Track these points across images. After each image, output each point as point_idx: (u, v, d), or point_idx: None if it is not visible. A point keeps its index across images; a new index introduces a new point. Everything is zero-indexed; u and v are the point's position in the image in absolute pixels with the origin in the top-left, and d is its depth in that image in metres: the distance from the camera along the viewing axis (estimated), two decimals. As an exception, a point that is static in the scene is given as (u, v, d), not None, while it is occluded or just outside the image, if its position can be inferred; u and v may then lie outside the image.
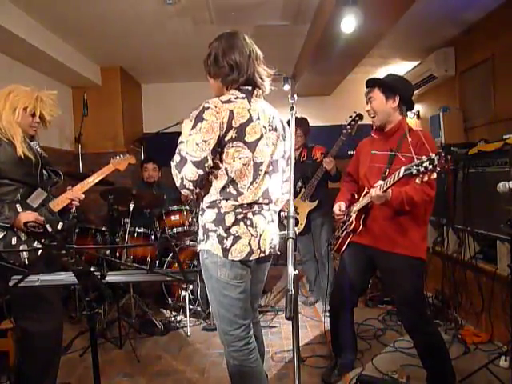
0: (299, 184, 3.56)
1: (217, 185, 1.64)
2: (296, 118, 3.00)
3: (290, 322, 1.12)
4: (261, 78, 1.70)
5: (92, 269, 1.32)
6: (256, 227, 1.63)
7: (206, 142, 1.54)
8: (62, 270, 1.38)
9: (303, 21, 3.70)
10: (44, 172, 2.09)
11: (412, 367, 2.46)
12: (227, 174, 1.61)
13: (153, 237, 3.61)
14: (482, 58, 3.73)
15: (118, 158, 2.52)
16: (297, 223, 3.96)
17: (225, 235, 1.60)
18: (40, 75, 4.14)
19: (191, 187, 1.59)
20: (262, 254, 1.65)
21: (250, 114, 1.61)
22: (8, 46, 3.41)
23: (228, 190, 1.62)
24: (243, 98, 1.65)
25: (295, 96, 1.52)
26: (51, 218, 2.02)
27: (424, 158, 1.67)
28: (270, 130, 1.68)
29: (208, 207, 1.66)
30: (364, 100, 2.24)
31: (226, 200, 1.61)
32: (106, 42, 4.11)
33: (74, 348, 2.89)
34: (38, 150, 2.07)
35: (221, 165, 1.62)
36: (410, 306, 2.14)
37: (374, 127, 2.25)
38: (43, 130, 2.14)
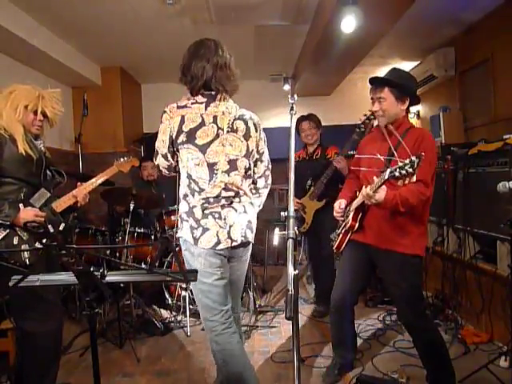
0: (309, 182, 3.46)
1: (183, 178, 1.84)
2: (303, 115, 3.06)
3: (290, 321, 1.12)
4: (221, 84, 1.80)
5: (92, 269, 1.32)
6: (225, 219, 1.79)
7: (163, 141, 1.82)
8: (62, 270, 1.38)
9: (303, 21, 3.70)
10: (48, 172, 2.10)
11: (412, 367, 2.46)
12: (186, 171, 1.82)
13: (153, 237, 3.61)
14: (481, 58, 3.73)
15: (121, 160, 2.53)
16: (303, 222, 3.96)
17: (195, 226, 1.79)
18: (40, 75, 4.14)
19: (167, 172, 1.94)
20: (234, 243, 1.80)
21: (203, 119, 1.76)
22: (8, 46, 3.41)
23: (192, 186, 1.80)
24: (202, 102, 1.80)
25: (295, 96, 1.53)
26: (53, 218, 2.02)
27: (406, 160, 1.67)
28: (228, 131, 1.80)
29: (182, 198, 1.86)
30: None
31: (193, 195, 1.80)
32: (106, 42, 4.11)
33: (74, 348, 2.89)
34: (42, 149, 2.08)
35: (180, 162, 1.85)
36: (408, 303, 2.14)
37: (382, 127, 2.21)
38: (45, 129, 2.14)
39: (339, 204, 2.32)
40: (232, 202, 1.82)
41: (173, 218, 3.62)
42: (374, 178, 1.92)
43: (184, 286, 3.38)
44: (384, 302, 3.66)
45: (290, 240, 1.14)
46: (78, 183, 2.22)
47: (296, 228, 1.17)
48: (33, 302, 1.91)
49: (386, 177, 1.76)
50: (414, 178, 1.67)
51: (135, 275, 1.43)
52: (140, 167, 4.24)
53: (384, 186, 1.86)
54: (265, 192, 2.03)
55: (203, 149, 1.76)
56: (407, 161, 1.66)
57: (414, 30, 3.87)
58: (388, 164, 2.06)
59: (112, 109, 4.93)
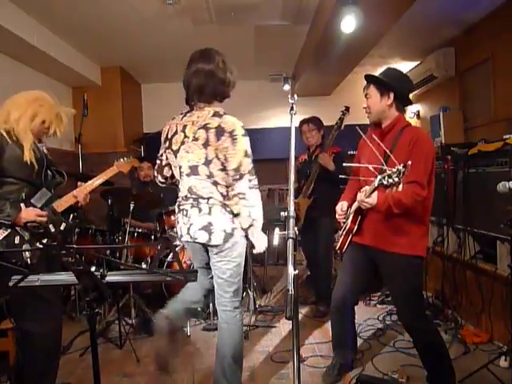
0: (302, 182, 3.56)
1: None
2: (305, 118, 3.23)
3: (290, 321, 1.12)
4: (195, 94, 1.95)
5: (92, 269, 1.32)
6: (189, 217, 2.00)
7: None
8: (62, 270, 1.38)
9: (303, 21, 3.70)
10: (48, 172, 2.10)
11: (412, 367, 2.46)
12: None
13: (153, 237, 3.61)
14: (482, 57, 3.73)
15: (121, 160, 2.53)
16: (298, 221, 4.00)
17: (176, 218, 2.12)
18: (40, 75, 4.14)
19: None
20: (193, 239, 2.01)
21: (177, 128, 2.01)
22: (8, 45, 3.41)
23: (178, 185, 2.10)
24: (183, 113, 2.04)
25: (295, 96, 1.53)
26: (54, 218, 2.03)
27: (394, 169, 1.68)
28: (192, 140, 1.95)
29: None
30: (364, 99, 2.24)
31: (178, 192, 2.10)
32: (106, 42, 4.12)
33: (74, 348, 2.89)
34: (45, 151, 2.10)
35: None
36: (408, 303, 2.14)
37: (371, 123, 2.25)
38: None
39: (341, 206, 2.32)
40: (199, 203, 1.99)
41: (172, 217, 3.62)
42: (366, 187, 1.98)
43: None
44: (384, 302, 3.67)
45: (290, 240, 1.14)
46: (79, 183, 2.23)
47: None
48: (32, 302, 1.91)
49: (376, 184, 1.80)
50: (400, 187, 1.69)
51: (135, 275, 1.44)
52: (136, 168, 4.22)
53: (375, 191, 1.91)
54: (238, 201, 1.94)
55: (175, 154, 2.03)
56: (395, 169, 1.68)
57: (414, 30, 3.87)
58: (383, 168, 2.06)
59: (112, 109, 4.93)
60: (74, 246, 1.28)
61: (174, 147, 2.02)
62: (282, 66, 5.02)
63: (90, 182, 2.26)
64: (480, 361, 2.41)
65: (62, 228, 2.06)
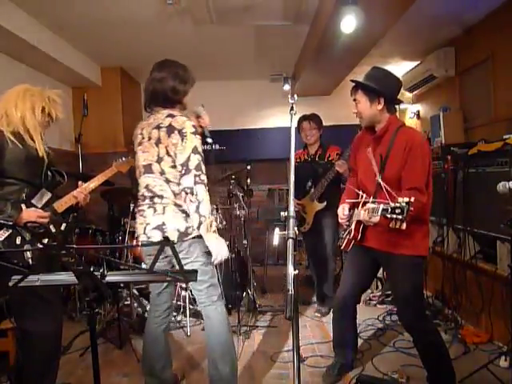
0: (309, 184, 3.50)
1: None
2: (305, 114, 3.17)
3: (290, 321, 1.12)
4: (148, 100, 2.10)
5: (92, 269, 1.32)
6: (146, 217, 2.06)
7: None
8: (62, 270, 1.38)
9: (303, 21, 3.70)
10: (48, 172, 2.10)
11: (412, 367, 2.46)
12: None
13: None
14: (482, 57, 3.73)
15: (120, 160, 2.54)
16: (303, 222, 4.01)
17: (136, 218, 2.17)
18: (40, 75, 4.14)
19: None
20: (149, 239, 2.03)
21: (137, 131, 2.16)
22: (8, 45, 3.41)
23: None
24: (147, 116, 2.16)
25: (295, 96, 1.53)
26: (54, 218, 2.03)
27: (397, 204, 1.67)
28: (147, 139, 2.07)
29: None
30: None
31: (138, 193, 2.17)
32: (106, 42, 4.12)
33: (74, 348, 2.90)
34: (47, 149, 2.09)
35: None
36: (409, 303, 2.14)
37: (364, 127, 2.25)
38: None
39: (343, 210, 2.29)
40: (154, 203, 2.04)
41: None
42: (369, 205, 1.97)
43: (184, 285, 3.38)
44: (384, 302, 3.67)
45: (290, 240, 1.14)
46: (80, 182, 2.23)
47: (296, 227, 1.17)
48: (32, 301, 1.91)
49: (379, 213, 1.79)
50: (404, 226, 1.70)
51: (135, 275, 1.44)
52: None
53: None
54: (185, 196, 1.93)
55: (136, 155, 2.16)
56: (398, 204, 1.68)
57: (414, 30, 3.87)
58: (380, 175, 2.05)
59: (112, 109, 4.94)
60: (74, 246, 1.27)
61: (135, 149, 2.16)
62: (281, 66, 5.02)
63: (89, 182, 2.26)
64: (480, 361, 2.41)
65: (62, 228, 2.06)
